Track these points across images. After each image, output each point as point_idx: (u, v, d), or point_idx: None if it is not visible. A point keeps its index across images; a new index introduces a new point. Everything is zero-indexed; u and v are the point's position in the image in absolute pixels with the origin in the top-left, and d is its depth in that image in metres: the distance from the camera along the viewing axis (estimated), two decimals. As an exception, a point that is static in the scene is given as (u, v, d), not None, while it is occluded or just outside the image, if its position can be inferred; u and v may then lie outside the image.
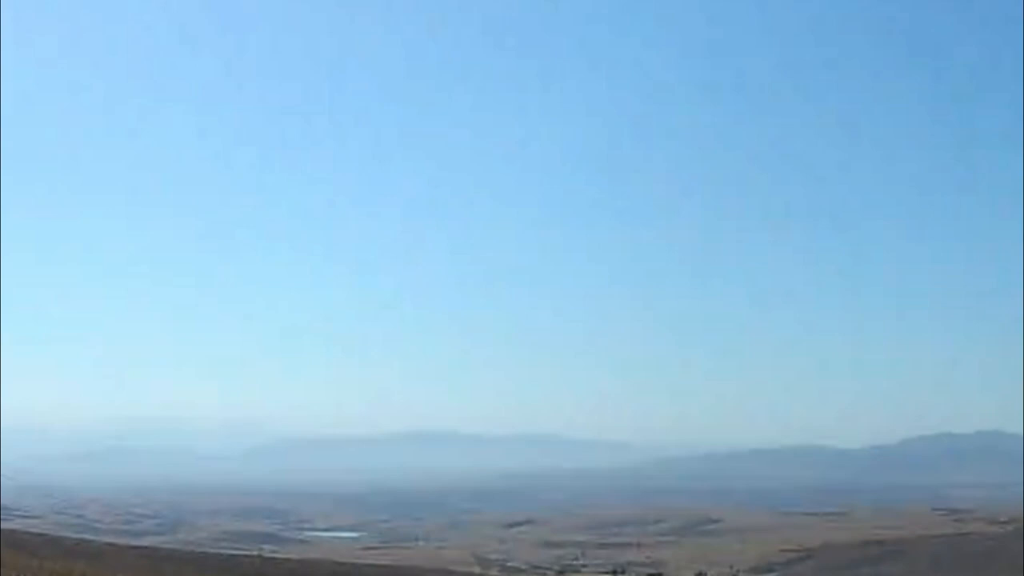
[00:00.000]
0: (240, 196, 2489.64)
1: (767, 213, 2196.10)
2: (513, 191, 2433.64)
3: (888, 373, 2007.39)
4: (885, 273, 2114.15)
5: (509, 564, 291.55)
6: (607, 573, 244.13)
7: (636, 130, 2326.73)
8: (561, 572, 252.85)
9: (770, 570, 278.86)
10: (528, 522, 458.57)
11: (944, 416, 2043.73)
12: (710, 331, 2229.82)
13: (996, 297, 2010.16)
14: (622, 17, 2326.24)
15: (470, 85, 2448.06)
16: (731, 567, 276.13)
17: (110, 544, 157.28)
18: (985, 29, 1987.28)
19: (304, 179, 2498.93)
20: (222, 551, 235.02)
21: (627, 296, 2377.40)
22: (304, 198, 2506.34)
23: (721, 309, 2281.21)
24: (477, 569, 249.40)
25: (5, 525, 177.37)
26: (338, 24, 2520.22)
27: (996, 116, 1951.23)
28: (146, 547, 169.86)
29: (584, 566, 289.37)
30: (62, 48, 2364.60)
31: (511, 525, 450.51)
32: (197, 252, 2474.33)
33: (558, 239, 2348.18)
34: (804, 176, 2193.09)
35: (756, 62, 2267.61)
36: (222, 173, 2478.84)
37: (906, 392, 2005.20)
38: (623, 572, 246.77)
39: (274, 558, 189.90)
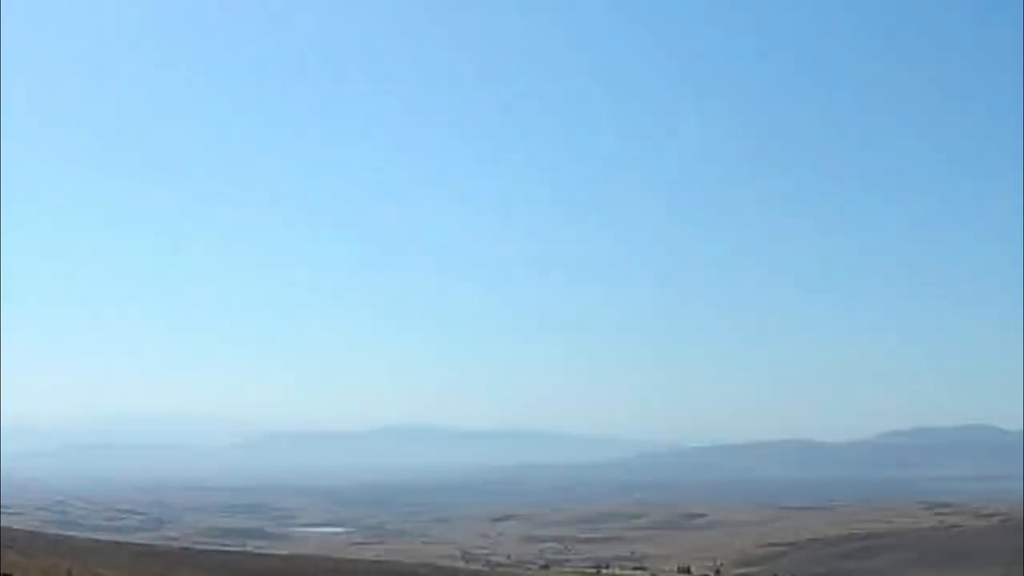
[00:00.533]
0: (231, 192, 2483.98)
1: (754, 214, 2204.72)
2: (495, 191, 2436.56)
3: (869, 368, 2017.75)
4: (869, 271, 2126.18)
5: (493, 558, 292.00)
6: (591, 568, 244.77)
7: (631, 129, 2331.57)
8: (545, 566, 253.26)
9: (753, 563, 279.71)
10: (512, 517, 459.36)
11: (925, 410, 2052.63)
12: (693, 328, 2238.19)
13: (980, 295, 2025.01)
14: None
15: (467, 85, 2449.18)
16: (715, 560, 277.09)
17: (96, 541, 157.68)
18: (986, 29, 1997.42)
19: (298, 180, 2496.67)
20: (208, 547, 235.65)
21: (609, 293, 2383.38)
22: (298, 198, 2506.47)
23: (703, 307, 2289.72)
24: (462, 564, 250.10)
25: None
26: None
27: (995, 114, 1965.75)
28: (133, 544, 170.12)
29: (567, 560, 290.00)
30: (64, 42, 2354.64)
31: (496, 520, 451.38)
32: (188, 251, 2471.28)
33: (541, 237, 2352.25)
34: (796, 176, 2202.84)
35: (756, 63, 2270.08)
36: (216, 169, 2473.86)
37: (887, 387, 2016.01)
38: (607, 567, 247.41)
39: (260, 554, 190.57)
